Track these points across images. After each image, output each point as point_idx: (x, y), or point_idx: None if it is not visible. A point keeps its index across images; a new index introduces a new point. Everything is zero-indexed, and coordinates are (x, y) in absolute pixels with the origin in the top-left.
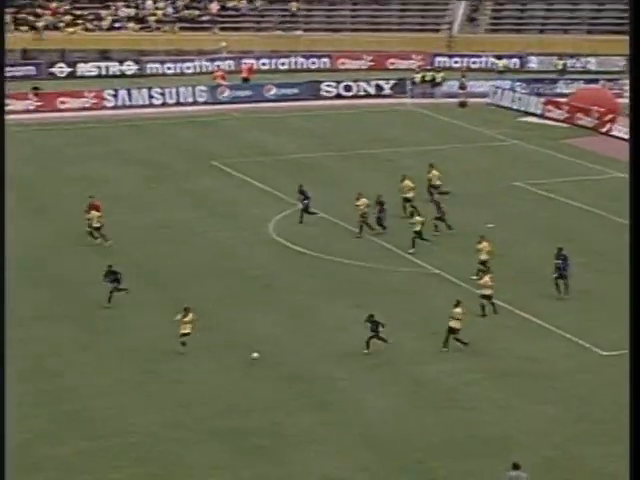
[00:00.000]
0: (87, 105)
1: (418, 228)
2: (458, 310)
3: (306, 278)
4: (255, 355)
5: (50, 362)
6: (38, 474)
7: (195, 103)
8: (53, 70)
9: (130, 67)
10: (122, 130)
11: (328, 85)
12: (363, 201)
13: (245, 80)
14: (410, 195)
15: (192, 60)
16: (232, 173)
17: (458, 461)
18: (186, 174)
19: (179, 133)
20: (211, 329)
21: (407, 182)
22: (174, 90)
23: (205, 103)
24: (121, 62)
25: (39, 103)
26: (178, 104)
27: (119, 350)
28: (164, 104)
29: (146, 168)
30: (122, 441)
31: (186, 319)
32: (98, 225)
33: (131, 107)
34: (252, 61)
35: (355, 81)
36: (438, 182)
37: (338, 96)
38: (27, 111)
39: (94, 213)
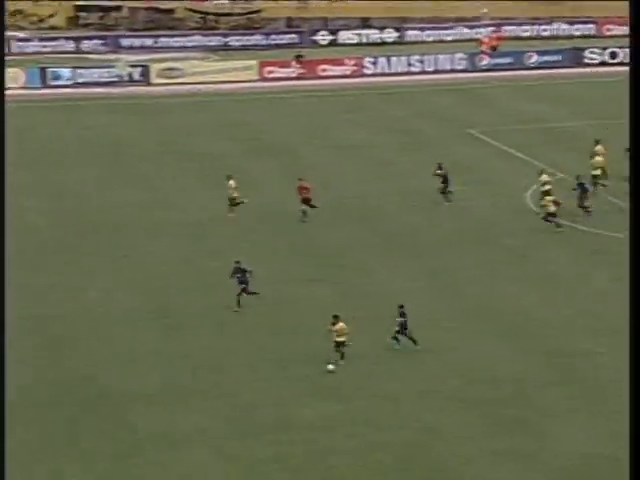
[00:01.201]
0: (347, 73)
1: None
2: None
3: (562, 249)
4: (330, 367)
5: (303, 323)
6: (293, 433)
7: (453, 71)
8: (315, 38)
9: (390, 35)
10: (380, 97)
11: (592, 52)
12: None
13: (493, 49)
14: None
15: (452, 27)
16: (489, 141)
17: None
18: (442, 142)
19: (436, 101)
20: (463, 298)
21: None
22: (433, 58)
23: (464, 71)
24: (381, 30)
25: (301, 70)
26: (436, 72)
27: (374, 317)
28: (422, 72)
29: (403, 135)
30: (374, 405)
31: (335, 328)
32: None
33: (390, 75)
34: (495, 30)
35: (621, 47)
36: None
37: (602, 63)
38: (289, 78)
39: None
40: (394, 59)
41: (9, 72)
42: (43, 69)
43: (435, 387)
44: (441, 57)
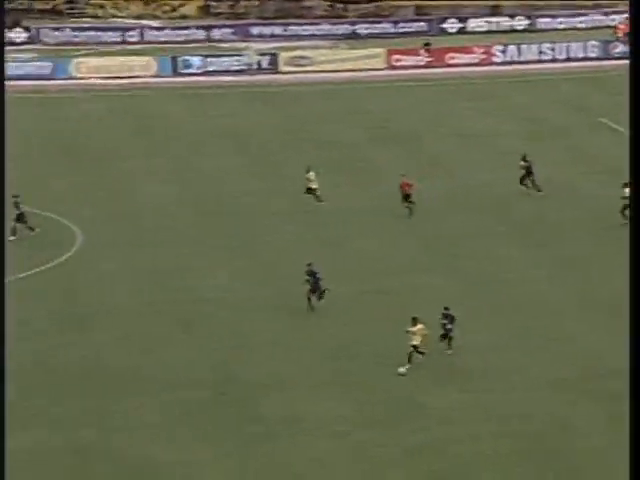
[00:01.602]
0: (476, 61)
1: None
2: None
3: None
4: (402, 370)
5: (423, 314)
6: (419, 421)
7: (586, 59)
8: (444, 26)
9: (521, 22)
10: (509, 86)
11: None
12: None
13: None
14: None
15: (585, 14)
16: (621, 130)
17: None
18: (571, 131)
19: (567, 89)
20: (589, 287)
21: None
22: (564, 45)
23: (596, 59)
24: (512, 17)
25: (429, 59)
26: (568, 59)
27: (496, 305)
28: (553, 59)
29: (530, 124)
30: (502, 397)
31: (413, 329)
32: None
33: (519, 63)
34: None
35: None
36: None
37: None
38: (417, 66)
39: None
40: (524, 47)
41: (141, 60)
42: (174, 58)
43: (561, 377)
44: (573, 45)
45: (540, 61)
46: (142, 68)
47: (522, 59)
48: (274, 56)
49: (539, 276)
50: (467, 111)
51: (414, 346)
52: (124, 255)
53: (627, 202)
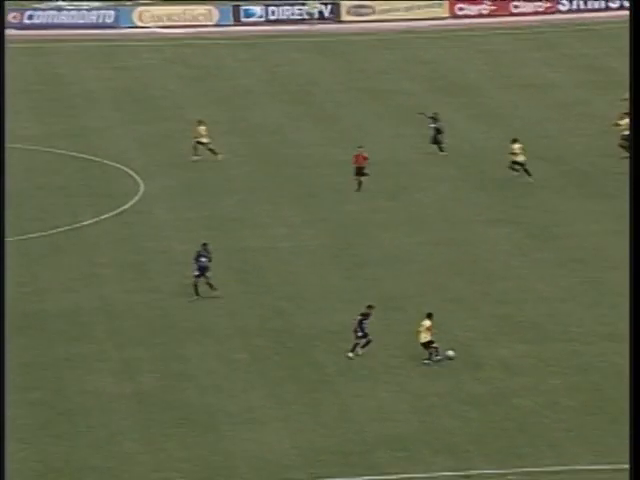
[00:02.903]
0: (540, 9)
1: None
2: None
3: None
4: (451, 353)
5: (487, 265)
6: (481, 372)
7: None
8: None
9: None
10: (574, 35)
11: None
12: None
13: None
14: None
15: None
16: None
17: None
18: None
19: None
20: None
21: None
22: None
23: None
24: None
25: (493, 7)
26: None
27: (561, 258)
28: (621, 7)
29: (595, 74)
30: (563, 348)
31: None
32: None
33: (585, 11)
34: None
35: None
36: None
37: None
38: (480, 15)
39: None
40: None
41: (203, 9)
42: (236, 7)
43: (622, 330)
44: None
45: (607, 9)
46: (203, 17)
47: (589, 7)
48: (335, 5)
49: (602, 230)
50: (531, 61)
51: (429, 342)
52: (182, 205)
53: (515, 158)
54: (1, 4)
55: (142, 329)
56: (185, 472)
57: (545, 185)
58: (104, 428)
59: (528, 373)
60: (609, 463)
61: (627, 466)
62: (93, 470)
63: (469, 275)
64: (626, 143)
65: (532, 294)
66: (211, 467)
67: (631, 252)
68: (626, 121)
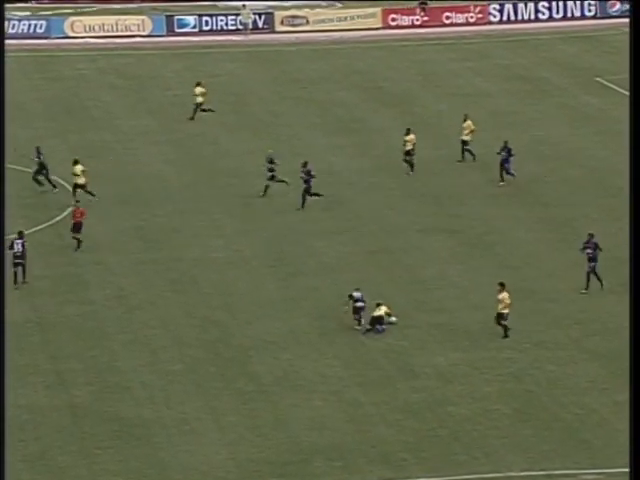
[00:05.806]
0: (472, 20)
1: None
2: None
3: None
4: (393, 319)
5: (422, 273)
6: (416, 381)
7: (583, 17)
8: None
9: None
10: (505, 46)
11: None
12: None
13: None
14: None
15: None
16: (617, 90)
17: None
18: (567, 90)
19: (563, 48)
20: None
21: None
22: (562, 3)
23: (593, 17)
24: None
25: (425, 18)
26: (564, 18)
27: (496, 266)
28: (550, 18)
29: (526, 84)
30: (496, 355)
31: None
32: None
33: (516, 22)
34: None
35: None
36: None
37: None
38: (413, 26)
39: None
40: (521, 5)
41: (136, 19)
42: (170, 17)
43: (555, 338)
44: (570, 3)
45: (537, 20)
46: (136, 27)
47: (519, 18)
48: (269, 16)
49: (535, 238)
50: (463, 71)
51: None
52: (117, 215)
53: (408, 147)
54: (1, 4)
55: (76, 341)
56: None
57: (478, 194)
58: (37, 442)
59: (463, 381)
60: (542, 470)
61: (559, 472)
62: None
63: (404, 284)
64: (410, 158)
65: (467, 302)
66: (147, 479)
67: (631, 252)
68: (411, 137)
